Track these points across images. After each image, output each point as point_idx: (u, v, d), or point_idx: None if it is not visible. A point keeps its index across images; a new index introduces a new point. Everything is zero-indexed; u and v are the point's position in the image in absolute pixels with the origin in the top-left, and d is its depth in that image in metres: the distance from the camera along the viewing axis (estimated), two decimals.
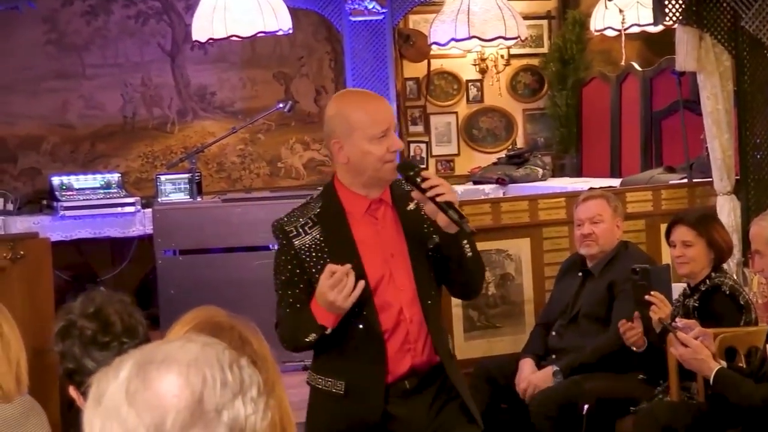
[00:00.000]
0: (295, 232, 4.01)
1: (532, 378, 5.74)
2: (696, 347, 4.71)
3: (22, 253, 6.15)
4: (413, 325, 4.02)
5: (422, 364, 4.05)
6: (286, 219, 4.07)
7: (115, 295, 3.18)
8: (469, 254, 3.99)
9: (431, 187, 3.84)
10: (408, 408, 4.06)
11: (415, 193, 3.93)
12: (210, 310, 2.48)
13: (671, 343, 4.85)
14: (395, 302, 4.02)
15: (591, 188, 6.96)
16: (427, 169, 4.12)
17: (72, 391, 3.03)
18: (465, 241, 3.96)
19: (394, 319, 4.01)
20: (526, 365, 5.94)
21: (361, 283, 3.83)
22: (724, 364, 4.77)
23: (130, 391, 1.61)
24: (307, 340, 3.93)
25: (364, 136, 3.95)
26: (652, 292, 5.16)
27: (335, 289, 3.76)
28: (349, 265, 3.82)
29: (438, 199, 3.82)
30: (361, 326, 3.97)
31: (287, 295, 3.99)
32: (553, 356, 5.98)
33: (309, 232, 4.01)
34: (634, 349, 5.36)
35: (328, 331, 3.88)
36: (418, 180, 3.87)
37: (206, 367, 1.62)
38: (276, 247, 4.11)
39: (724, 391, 4.68)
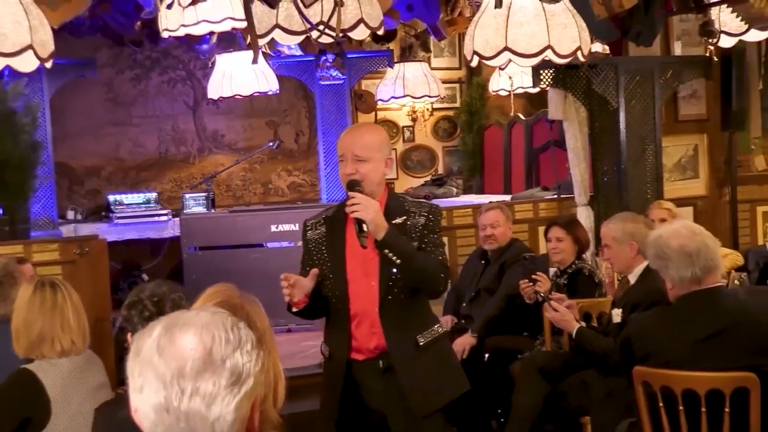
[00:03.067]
0: (309, 227, 3.74)
1: (465, 342, 5.69)
2: (563, 312, 4.74)
3: (86, 249, 6.12)
4: (375, 315, 3.59)
5: (378, 349, 3.63)
6: (311, 217, 3.78)
7: (176, 290, 3.13)
8: (398, 261, 3.49)
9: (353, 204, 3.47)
10: (384, 384, 3.63)
11: (347, 207, 3.50)
12: (226, 288, 2.45)
13: (546, 309, 4.88)
14: (366, 294, 3.59)
15: (490, 202, 6.99)
16: (362, 192, 3.54)
17: (129, 337, 3.01)
18: (387, 251, 3.48)
19: (363, 305, 3.60)
20: (448, 321, 5.97)
21: (310, 283, 3.52)
22: (582, 324, 4.80)
23: (160, 346, 1.60)
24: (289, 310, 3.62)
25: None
26: (538, 273, 5.20)
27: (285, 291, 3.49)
28: (289, 275, 3.49)
29: (351, 215, 3.48)
30: (339, 306, 3.63)
31: (299, 273, 3.66)
32: (463, 321, 6.00)
33: (318, 228, 3.71)
34: (528, 301, 5.37)
35: (294, 309, 3.56)
36: (348, 197, 3.51)
37: (214, 329, 1.62)
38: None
39: (582, 343, 4.70)
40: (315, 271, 3.56)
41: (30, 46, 3.45)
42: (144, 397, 1.59)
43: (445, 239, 7.00)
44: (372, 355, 3.63)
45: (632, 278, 4.72)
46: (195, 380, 1.57)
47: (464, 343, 5.67)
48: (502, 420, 5.55)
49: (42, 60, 3.55)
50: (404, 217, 3.63)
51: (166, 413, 1.58)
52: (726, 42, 5.81)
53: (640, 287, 4.58)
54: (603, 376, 4.63)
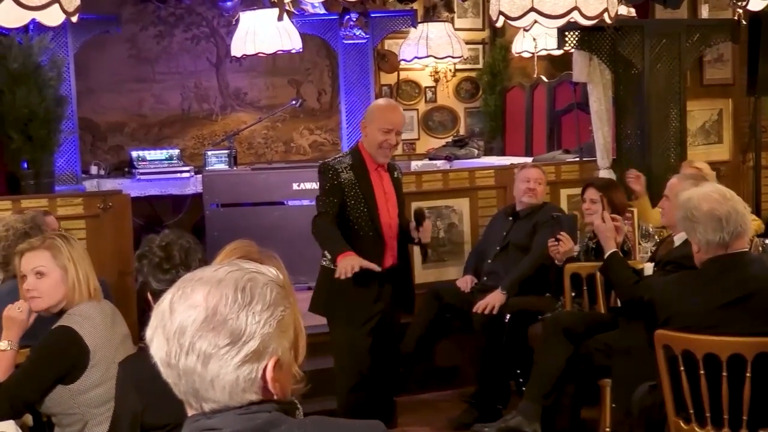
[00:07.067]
0: (340, 169, 4.71)
1: (495, 299, 5.64)
2: (609, 228, 4.76)
3: (110, 204, 6.13)
4: (394, 239, 4.84)
5: (394, 263, 4.87)
6: (332, 161, 4.79)
7: (184, 237, 3.15)
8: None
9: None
10: (384, 287, 4.84)
11: (413, 232, 4.86)
12: (245, 244, 2.44)
13: (601, 216, 4.90)
14: (389, 222, 4.80)
15: (512, 164, 6.92)
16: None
17: (149, 296, 3.03)
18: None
19: (388, 233, 4.79)
20: (468, 282, 5.96)
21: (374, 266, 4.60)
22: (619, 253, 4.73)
23: (173, 301, 1.60)
24: (325, 253, 4.76)
25: (377, 126, 4.67)
26: (561, 233, 5.19)
27: (349, 269, 4.46)
28: (372, 265, 4.57)
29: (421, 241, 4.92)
30: (371, 234, 4.72)
31: (326, 199, 4.69)
32: (485, 278, 5.96)
33: (348, 172, 4.71)
34: (557, 262, 5.36)
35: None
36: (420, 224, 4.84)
37: (225, 287, 1.59)
38: (323, 175, 4.74)
39: (609, 268, 4.62)
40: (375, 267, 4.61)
41: (56, 0, 3.42)
42: (153, 350, 1.61)
43: (466, 200, 7.02)
44: (385, 268, 4.74)
45: (677, 240, 4.64)
46: (192, 338, 1.56)
47: (494, 299, 5.61)
48: (521, 380, 5.53)
49: (68, 14, 3.52)
50: (396, 171, 4.93)
51: (168, 368, 1.59)
52: (755, 5, 5.71)
53: (676, 250, 4.52)
54: (621, 336, 4.60)
